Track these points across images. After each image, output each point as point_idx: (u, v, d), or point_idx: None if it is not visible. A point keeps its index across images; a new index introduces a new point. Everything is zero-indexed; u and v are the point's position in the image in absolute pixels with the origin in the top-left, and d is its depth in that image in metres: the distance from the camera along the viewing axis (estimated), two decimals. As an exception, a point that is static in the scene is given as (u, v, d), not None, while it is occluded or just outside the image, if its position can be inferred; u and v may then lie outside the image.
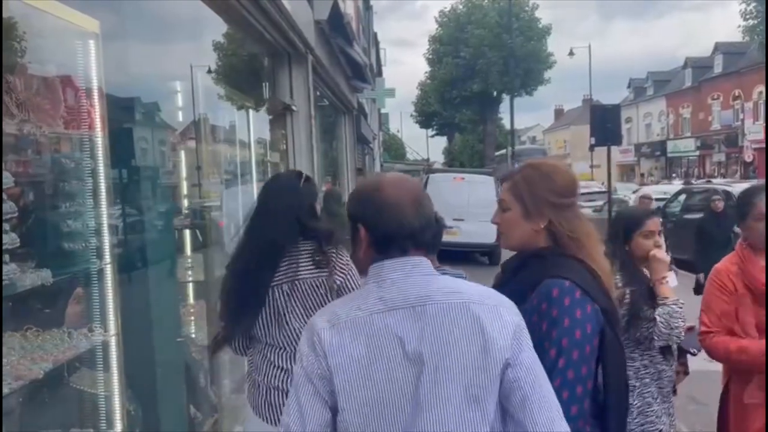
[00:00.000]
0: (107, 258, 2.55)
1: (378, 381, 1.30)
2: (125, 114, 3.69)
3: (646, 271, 2.71)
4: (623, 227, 2.76)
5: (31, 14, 2.16)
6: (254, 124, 5.82)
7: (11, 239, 1.92)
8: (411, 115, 49.25)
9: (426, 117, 46.77)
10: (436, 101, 40.93)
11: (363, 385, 1.30)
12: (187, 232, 4.41)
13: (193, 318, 4.39)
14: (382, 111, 31.16)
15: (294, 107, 6.30)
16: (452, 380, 1.31)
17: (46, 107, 2.18)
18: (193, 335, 4.02)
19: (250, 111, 5.86)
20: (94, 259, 2.51)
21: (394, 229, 1.39)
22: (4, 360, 2.12)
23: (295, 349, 2.55)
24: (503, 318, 1.37)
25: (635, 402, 2.62)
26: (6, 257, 1.91)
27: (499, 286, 1.71)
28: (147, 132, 4.27)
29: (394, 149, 53.42)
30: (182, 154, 4.54)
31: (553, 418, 1.34)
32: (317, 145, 7.26)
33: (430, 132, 50.46)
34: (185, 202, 4.41)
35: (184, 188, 4.40)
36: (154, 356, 3.07)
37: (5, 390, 1.89)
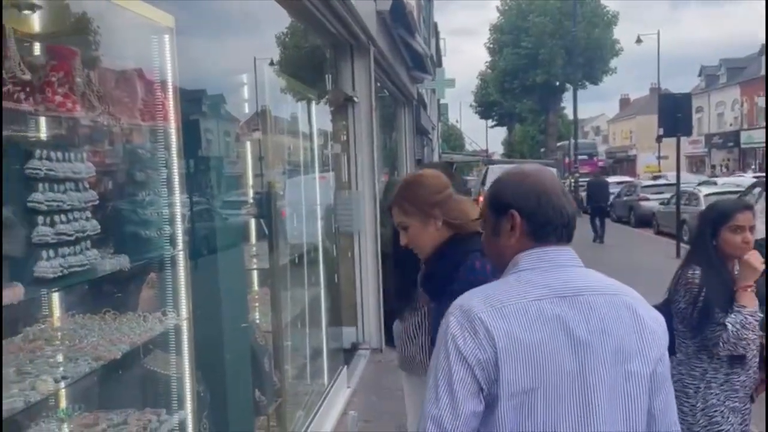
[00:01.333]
0: (180, 245, 2.64)
1: (544, 367, 1.28)
2: (193, 106, 3.81)
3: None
4: (712, 220, 2.61)
5: (111, 10, 2.25)
6: (316, 116, 5.88)
7: (93, 226, 2.02)
8: (470, 106, 48.81)
9: (486, 107, 46.24)
10: (497, 91, 40.40)
11: (529, 371, 1.27)
12: (252, 221, 4.53)
13: (258, 304, 4.51)
14: (442, 101, 30.95)
15: (355, 98, 6.34)
16: (620, 372, 1.31)
17: (124, 100, 2.27)
18: (258, 321, 4.13)
19: (313, 102, 5.94)
20: (167, 246, 2.61)
21: (554, 216, 1.39)
22: (84, 341, 2.24)
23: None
24: (657, 314, 1.40)
25: (698, 404, 2.53)
26: (88, 243, 2.01)
27: (429, 276, 2.03)
28: (214, 123, 4.40)
29: (453, 140, 53.01)
30: (247, 145, 4.65)
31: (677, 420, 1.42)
32: (377, 136, 7.29)
33: (490, 123, 49.87)
34: (250, 192, 4.53)
35: (249, 178, 4.51)
36: (222, 340, 3.17)
37: (86, 369, 1.99)
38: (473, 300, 1.33)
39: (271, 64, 6.03)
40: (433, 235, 2.00)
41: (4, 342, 2.27)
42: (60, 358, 2.05)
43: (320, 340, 5.41)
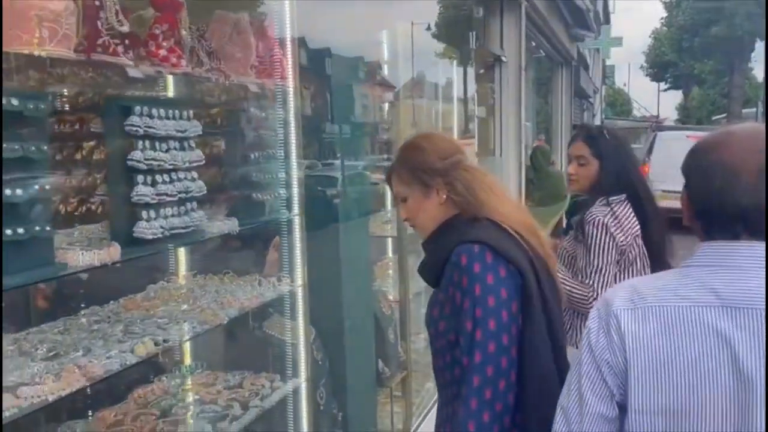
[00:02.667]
0: (296, 209, 2.55)
1: (689, 391, 1.02)
2: (348, 71, 3.76)
3: None
4: None
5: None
6: (463, 79, 5.66)
7: (198, 186, 1.95)
8: (641, 67, 45.11)
9: (659, 68, 42.51)
10: (672, 50, 36.91)
11: (665, 390, 1.03)
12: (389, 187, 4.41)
13: (391, 271, 4.41)
14: (607, 62, 28.80)
15: (504, 58, 5.94)
16: None
17: (237, 56, 2.17)
18: (386, 289, 4.01)
19: (461, 65, 5.69)
20: (283, 209, 2.53)
21: (714, 203, 1.07)
22: (197, 302, 2.22)
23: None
24: None
25: None
26: (193, 204, 1.95)
27: (424, 263, 1.65)
28: (364, 88, 4.35)
29: (619, 105, 49.48)
30: (396, 109, 4.56)
31: None
32: (527, 98, 6.81)
33: (663, 85, 45.76)
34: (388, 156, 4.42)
35: (398, 143, 4.43)
36: (344, 308, 3.08)
37: (189, 333, 1.95)
38: (619, 291, 1.12)
39: (428, 29, 5.86)
40: (435, 211, 1.61)
41: (124, 299, 2.33)
42: (167, 319, 2.04)
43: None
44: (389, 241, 4.55)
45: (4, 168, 1.35)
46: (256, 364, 2.72)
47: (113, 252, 1.64)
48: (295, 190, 2.54)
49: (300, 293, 2.58)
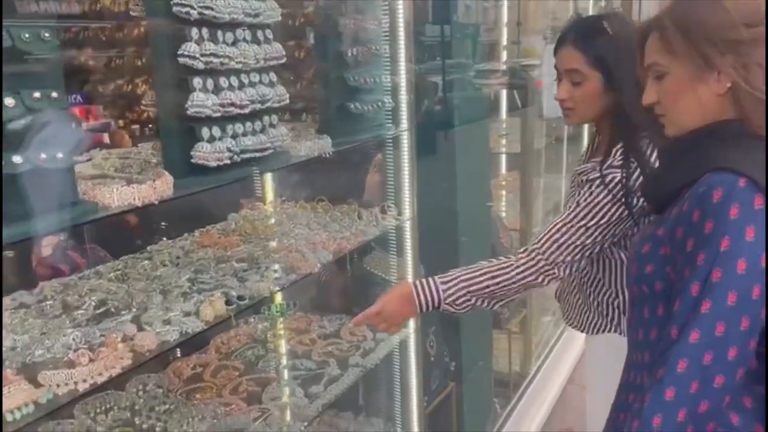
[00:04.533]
0: (404, 123, 2.01)
1: None
2: None
3: None
4: None
5: None
6: None
7: (278, 94, 1.45)
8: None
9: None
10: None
11: None
12: (504, 94, 3.79)
13: (504, 192, 3.86)
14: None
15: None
16: None
17: None
18: (503, 214, 3.47)
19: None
20: (389, 124, 2.01)
21: None
22: (283, 240, 1.79)
23: None
24: None
25: None
26: (272, 117, 1.46)
27: (652, 179, 1.19)
28: None
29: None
30: (503, 9, 3.94)
31: None
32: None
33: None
34: (503, 60, 3.79)
35: (503, 46, 3.83)
36: (457, 241, 2.58)
37: (272, 286, 1.52)
38: None
39: None
40: (704, 103, 1.02)
41: (200, 231, 1.94)
42: (246, 264, 1.61)
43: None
44: (503, 157, 3.98)
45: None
46: (355, 307, 2.30)
47: (162, 185, 1.19)
48: (404, 98, 2.00)
49: (408, 228, 2.09)
